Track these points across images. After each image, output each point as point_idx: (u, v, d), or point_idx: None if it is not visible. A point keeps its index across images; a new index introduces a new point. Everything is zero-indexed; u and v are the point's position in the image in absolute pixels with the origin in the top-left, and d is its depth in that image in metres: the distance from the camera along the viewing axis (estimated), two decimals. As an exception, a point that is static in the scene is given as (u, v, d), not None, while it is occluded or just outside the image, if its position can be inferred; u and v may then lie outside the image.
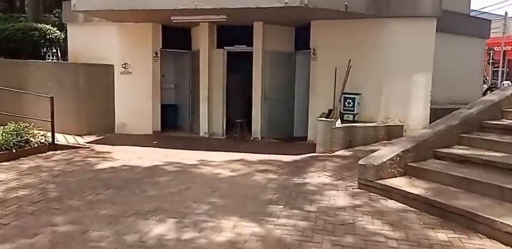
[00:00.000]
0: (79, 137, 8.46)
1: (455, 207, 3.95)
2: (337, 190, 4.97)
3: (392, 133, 7.68)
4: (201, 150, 7.47)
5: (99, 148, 7.54)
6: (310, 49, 8.49)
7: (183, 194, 4.81)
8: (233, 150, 7.43)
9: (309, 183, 5.30)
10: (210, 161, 6.48)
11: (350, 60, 7.81)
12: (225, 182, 5.37)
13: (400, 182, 4.77)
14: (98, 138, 8.55)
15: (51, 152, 7.03)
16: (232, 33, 8.94)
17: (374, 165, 4.86)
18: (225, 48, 9.16)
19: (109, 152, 7.12)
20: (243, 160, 6.60)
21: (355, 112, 7.90)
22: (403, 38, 7.78)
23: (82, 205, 4.39)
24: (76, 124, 8.74)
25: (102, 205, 4.41)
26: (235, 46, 9.12)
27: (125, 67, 9.20)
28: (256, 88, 8.92)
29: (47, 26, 10.19)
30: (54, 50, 13.13)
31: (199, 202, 4.49)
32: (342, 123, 7.38)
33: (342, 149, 7.09)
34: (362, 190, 4.94)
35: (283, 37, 9.07)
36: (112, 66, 9.23)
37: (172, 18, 8.07)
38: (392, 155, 4.96)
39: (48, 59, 12.45)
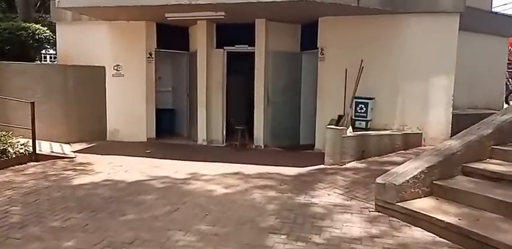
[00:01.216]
0: (67, 145, 7.82)
1: (500, 242, 3.19)
2: (351, 214, 4.21)
3: (409, 142, 6.87)
4: (197, 160, 6.75)
5: (85, 158, 6.85)
6: (317, 48, 7.73)
7: (168, 219, 4.08)
8: (232, 161, 6.71)
9: (317, 204, 4.55)
10: (204, 175, 5.75)
11: (362, 61, 7.03)
12: (219, 202, 4.64)
13: (426, 205, 4.02)
14: (87, 146, 7.88)
15: (31, 163, 6.37)
16: (233, 31, 8.20)
17: (395, 184, 4.10)
18: (225, 48, 8.45)
19: (94, 164, 6.42)
20: (242, 174, 5.87)
21: (368, 119, 7.11)
22: (422, 36, 6.97)
23: (47, 234, 3.68)
24: (65, 131, 8.13)
25: (71, 233, 3.71)
26: (236, 46, 8.40)
27: (116, 70, 8.53)
28: (259, 92, 8.19)
29: (36, 26, 9.51)
30: (52, 51, 12.50)
31: (186, 230, 3.77)
32: (353, 131, 6.63)
33: (353, 160, 6.32)
34: (380, 214, 4.18)
35: (288, 36, 8.32)
36: (103, 67, 8.57)
37: (166, 15, 7.37)
38: (416, 173, 4.20)
39: (44, 61, 11.78)
